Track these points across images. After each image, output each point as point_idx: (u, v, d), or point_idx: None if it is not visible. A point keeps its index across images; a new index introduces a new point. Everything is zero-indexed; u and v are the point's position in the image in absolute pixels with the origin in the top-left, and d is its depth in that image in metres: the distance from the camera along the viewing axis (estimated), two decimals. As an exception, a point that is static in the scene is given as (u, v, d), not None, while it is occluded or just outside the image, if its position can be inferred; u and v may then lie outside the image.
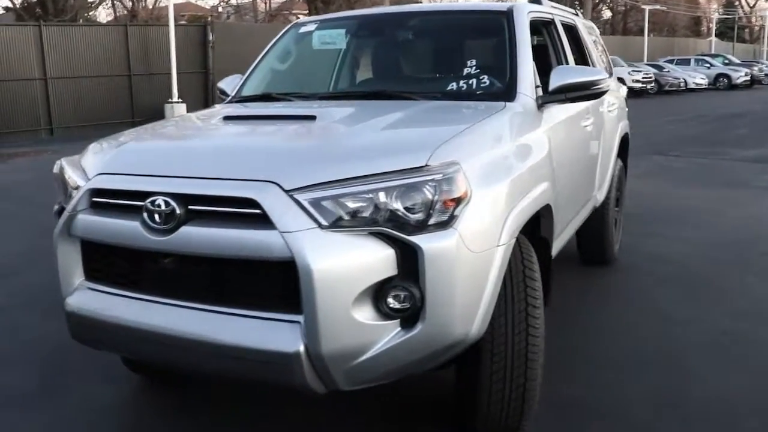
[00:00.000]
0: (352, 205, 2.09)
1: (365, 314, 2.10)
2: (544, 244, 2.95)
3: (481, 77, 3.16)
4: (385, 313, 2.13)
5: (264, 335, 2.10)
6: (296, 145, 2.44)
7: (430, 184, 2.12)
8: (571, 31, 4.76)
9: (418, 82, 3.41)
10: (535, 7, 3.68)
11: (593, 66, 4.90)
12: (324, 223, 2.07)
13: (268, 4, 40.17)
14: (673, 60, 35.12)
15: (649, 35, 41.96)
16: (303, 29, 3.83)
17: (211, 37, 20.17)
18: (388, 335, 2.12)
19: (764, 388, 3.18)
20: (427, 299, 2.10)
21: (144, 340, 2.30)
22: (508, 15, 3.37)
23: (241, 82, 3.78)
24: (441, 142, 2.26)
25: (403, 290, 2.11)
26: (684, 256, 5.40)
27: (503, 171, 2.43)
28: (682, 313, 4.17)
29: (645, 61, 34.73)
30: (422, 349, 2.17)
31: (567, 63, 4.04)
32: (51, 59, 17.22)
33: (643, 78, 27.70)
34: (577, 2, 40.08)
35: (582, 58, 4.84)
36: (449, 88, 3.16)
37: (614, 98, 5.05)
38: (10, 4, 23.81)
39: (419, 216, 2.11)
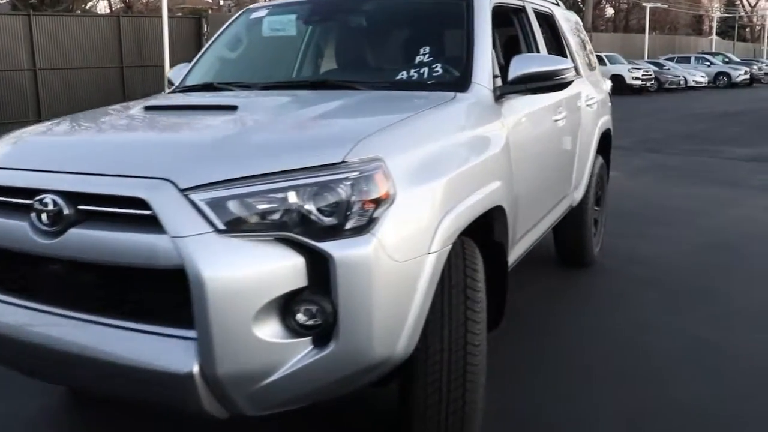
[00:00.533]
0: (256, 206, 1.83)
1: (270, 331, 1.84)
2: (499, 248, 2.70)
3: (434, 66, 2.89)
4: (295, 330, 1.87)
5: (155, 352, 1.84)
6: (201, 139, 2.17)
7: (345, 182, 1.87)
8: (547, 20, 4.50)
9: (367, 70, 3.14)
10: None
11: (572, 59, 4.65)
12: (221, 227, 1.81)
13: (267, -3, 39.74)
14: (674, 58, 34.76)
15: (650, 33, 41.59)
16: (254, 15, 3.56)
17: (205, 29, 19.89)
18: (298, 355, 1.86)
19: (738, 399, 2.94)
20: (340, 315, 1.85)
21: (30, 354, 2.05)
22: (467, 0, 3.11)
23: (186, 71, 3.52)
24: (364, 136, 2.00)
25: (314, 304, 1.85)
26: (668, 258, 5.15)
27: (439, 168, 2.16)
28: (659, 319, 3.91)
29: (645, 58, 34.38)
30: (337, 371, 1.91)
31: (537, 52, 3.78)
32: (40, 50, 16.96)
33: (642, 75, 27.36)
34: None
35: (558, 48, 4.58)
36: (399, 77, 2.90)
37: (595, 92, 4.78)
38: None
39: (333, 220, 1.86)
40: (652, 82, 28.23)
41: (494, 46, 3.12)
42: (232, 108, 2.42)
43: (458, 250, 2.25)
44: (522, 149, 3.02)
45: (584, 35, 5.47)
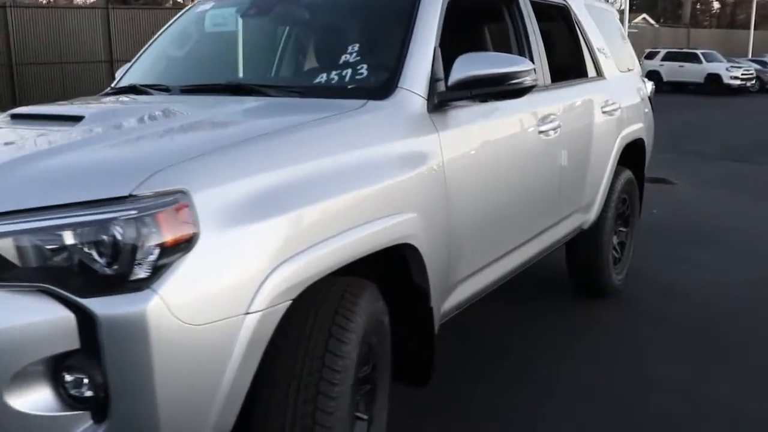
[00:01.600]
0: (16, 247, 1.45)
1: (31, 401, 1.45)
2: (419, 294, 2.21)
3: (359, 67, 2.41)
4: (67, 402, 1.48)
5: None
6: None
7: (125, 222, 1.45)
8: (560, 12, 3.90)
9: (288, 72, 2.71)
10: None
11: (593, 59, 4.03)
12: None
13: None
14: (781, 56, 32.01)
15: (757, 29, 38.55)
16: (200, 8, 3.19)
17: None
18: (75, 431, 1.47)
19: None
20: (111, 388, 1.44)
21: None
22: None
23: (124, 71, 3.20)
24: (172, 163, 1.57)
25: (84, 372, 1.46)
26: (708, 292, 4.39)
27: (286, 202, 1.69)
28: (667, 374, 3.25)
29: (749, 56, 31.83)
30: None
31: (527, 53, 3.22)
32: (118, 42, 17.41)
33: (742, 75, 25.24)
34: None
35: (571, 46, 3.98)
36: (317, 80, 2.44)
37: (620, 97, 4.12)
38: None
39: (116, 269, 1.45)
40: (753, 82, 26.01)
41: (454, 44, 2.60)
42: (76, 119, 2.03)
43: (324, 306, 1.79)
44: (474, 169, 2.50)
45: (620, 31, 4.80)
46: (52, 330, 1.44)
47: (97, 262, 1.45)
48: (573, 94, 3.58)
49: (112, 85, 3.13)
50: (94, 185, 1.52)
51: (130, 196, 1.48)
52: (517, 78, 2.36)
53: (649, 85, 5.05)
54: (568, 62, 3.98)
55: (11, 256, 1.45)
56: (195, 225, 1.50)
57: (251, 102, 2.32)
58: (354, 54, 2.46)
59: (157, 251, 1.46)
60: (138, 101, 2.60)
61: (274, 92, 2.40)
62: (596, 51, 4.10)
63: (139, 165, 1.56)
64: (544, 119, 3.12)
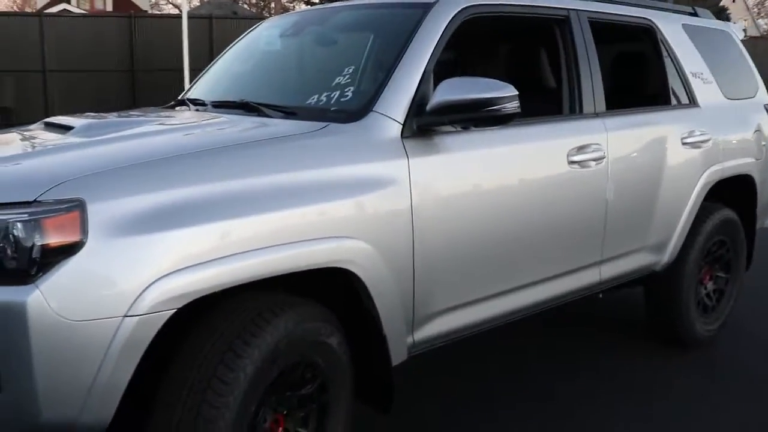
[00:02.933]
0: None
1: None
2: (370, 319, 2.21)
3: (346, 90, 2.46)
4: None
5: None
6: None
7: (20, 222, 1.65)
8: (644, 32, 3.60)
9: (293, 93, 2.77)
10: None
11: (684, 85, 3.67)
12: None
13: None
14: None
15: None
16: (260, 26, 3.42)
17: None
18: None
19: None
20: (1, 365, 1.65)
21: None
22: (425, 8, 2.58)
23: (191, 84, 3.52)
24: (78, 176, 1.77)
25: None
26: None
27: (188, 216, 1.79)
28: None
29: None
30: (11, 425, 1.72)
31: (573, 77, 3.03)
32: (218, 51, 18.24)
33: None
34: None
35: (653, 71, 3.65)
36: (309, 101, 2.52)
37: (715, 128, 3.69)
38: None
39: (6, 260, 1.66)
40: None
41: (460, 67, 2.55)
42: (66, 128, 2.31)
43: (232, 318, 1.89)
44: (458, 201, 2.42)
45: (739, 53, 4.29)
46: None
47: (3, 256, 1.67)
48: (632, 123, 3.28)
49: (179, 97, 3.46)
50: (12, 190, 1.75)
51: (35, 201, 1.68)
52: (497, 104, 2.25)
53: (760, 119, 4.42)
54: (643, 88, 3.66)
55: None
56: (83, 232, 1.67)
57: (234, 121, 2.48)
58: (347, 76, 2.51)
59: (40, 251, 1.64)
60: (157, 114, 2.86)
61: (269, 111, 2.51)
62: (689, 76, 3.71)
63: (54, 175, 1.77)
64: (580, 149, 2.91)
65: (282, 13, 33.21)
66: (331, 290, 2.25)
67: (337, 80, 2.51)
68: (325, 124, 2.25)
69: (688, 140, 3.53)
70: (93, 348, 1.68)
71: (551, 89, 3.23)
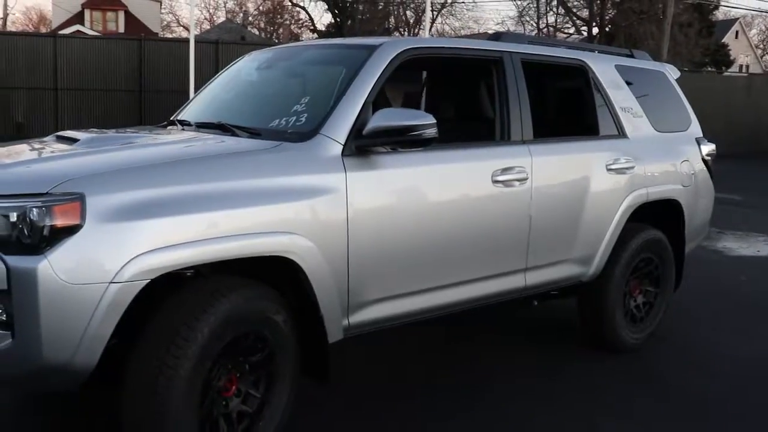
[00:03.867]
0: None
1: None
2: (308, 301, 2.72)
3: (301, 116, 3.00)
4: None
5: None
6: None
7: (35, 209, 2.20)
8: (577, 71, 4.13)
9: (256, 116, 3.32)
10: (431, 42, 3.33)
11: (614, 118, 4.20)
12: None
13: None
14: None
15: None
16: (246, 57, 3.99)
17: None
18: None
19: None
20: (15, 316, 2.18)
21: None
22: (370, 50, 3.14)
23: (181, 108, 4.07)
24: (83, 175, 2.32)
25: (4, 304, 2.21)
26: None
27: (160, 209, 2.33)
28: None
29: None
30: (21, 364, 2.24)
31: (504, 109, 3.57)
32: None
33: None
34: None
35: (583, 106, 4.18)
36: (271, 124, 3.06)
37: (641, 157, 4.19)
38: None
39: (23, 237, 2.20)
40: None
41: (394, 101, 3.10)
42: (73, 140, 2.87)
43: (195, 292, 2.46)
44: (387, 208, 2.95)
45: (673, 92, 4.81)
46: (-9, 275, 2.20)
47: (22, 233, 2.20)
48: (557, 150, 3.80)
49: (171, 118, 4.01)
50: (31, 185, 2.30)
51: (47, 193, 2.22)
52: (418, 130, 2.80)
53: (707, 148, 4.95)
54: (575, 120, 4.19)
55: None
56: (82, 217, 2.21)
57: (208, 138, 3.04)
58: (303, 105, 3.06)
59: (49, 231, 2.18)
60: (149, 131, 3.42)
61: (239, 131, 3.06)
62: (618, 110, 4.24)
63: (62, 174, 2.32)
64: (504, 170, 3.43)
65: (290, 39, 34.20)
66: (280, 278, 2.76)
67: (295, 107, 3.06)
68: (279, 142, 2.79)
69: (613, 167, 4.05)
70: (85, 306, 2.21)
71: (487, 118, 3.77)
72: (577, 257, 3.95)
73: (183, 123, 3.59)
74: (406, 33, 34.16)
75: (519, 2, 34.25)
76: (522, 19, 34.23)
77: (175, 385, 2.33)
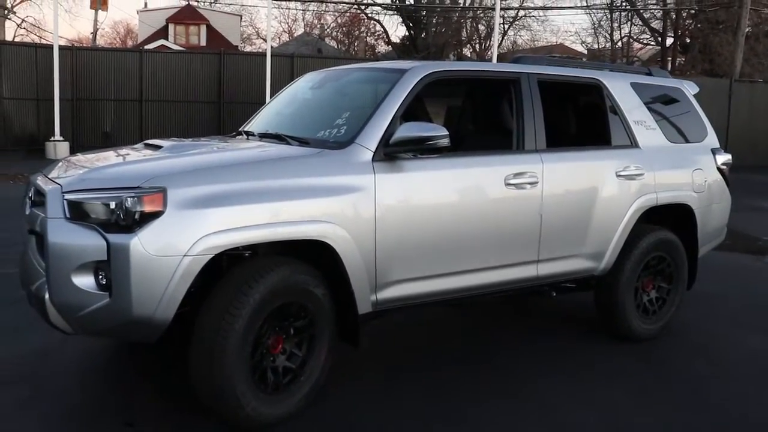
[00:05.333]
0: (84, 205, 3.01)
1: (83, 281, 2.98)
2: (342, 278, 3.36)
3: (342, 127, 3.67)
4: (100, 285, 2.99)
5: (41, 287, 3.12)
6: (95, 163, 3.45)
7: (130, 198, 2.93)
8: (593, 89, 4.63)
9: (307, 128, 4.00)
10: (454, 66, 3.93)
11: (626, 130, 4.67)
12: (68, 215, 3.02)
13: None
14: None
15: None
16: (303, 77, 4.71)
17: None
18: (97, 302, 2.96)
19: None
20: (112, 280, 2.91)
21: None
22: (401, 73, 3.77)
23: (248, 121, 4.81)
24: (167, 173, 3.05)
25: (105, 271, 2.95)
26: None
27: (225, 201, 3.02)
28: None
29: None
30: (115, 318, 2.96)
31: (520, 122, 4.12)
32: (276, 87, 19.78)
33: None
34: None
35: (597, 119, 4.66)
36: (318, 135, 3.74)
37: (649, 166, 4.63)
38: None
39: (120, 219, 2.93)
40: None
41: (424, 115, 3.74)
42: (158, 147, 3.63)
43: (248, 268, 3.14)
44: (409, 202, 3.56)
45: (690, 106, 5.21)
46: (95, 247, 2.94)
47: (113, 216, 2.94)
48: (567, 158, 4.31)
49: (238, 129, 4.76)
50: (127, 180, 3.04)
51: (138, 187, 2.96)
52: (433, 140, 3.42)
53: (723, 158, 5.32)
54: (589, 131, 4.68)
55: (80, 209, 3.00)
56: (164, 205, 2.93)
57: (266, 146, 3.75)
58: (343, 119, 3.72)
59: (140, 215, 2.91)
60: (219, 140, 4.18)
61: (291, 140, 3.75)
62: (631, 123, 4.70)
63: (150, 173, 3.05)
64: (517, 174, 3.99)
65: (366, 51, 35.09)
66: (319, 260, 3.42)
67: (337, 121, 3.74)
68: (322, 150, 3.46)
69: (623, 173, 4.52)
70: (165, 273, 2.92)
71: (507, 130, 4.33)
72: (588, 253, 4.43)
73: (248, 133, 4.32)
74: (478, 46, 34.68)
75: (592, 14, 33.98)
76: (597, 30, 34.08)
77: (232, 337, 3.01)
